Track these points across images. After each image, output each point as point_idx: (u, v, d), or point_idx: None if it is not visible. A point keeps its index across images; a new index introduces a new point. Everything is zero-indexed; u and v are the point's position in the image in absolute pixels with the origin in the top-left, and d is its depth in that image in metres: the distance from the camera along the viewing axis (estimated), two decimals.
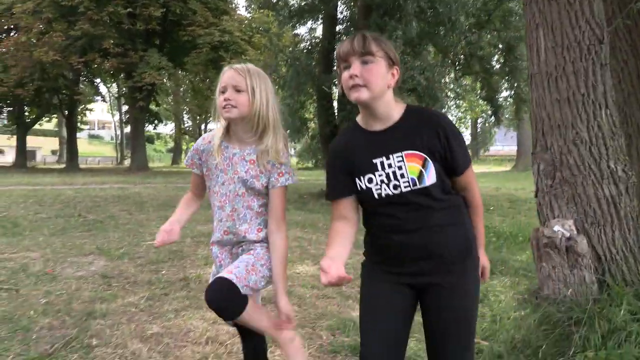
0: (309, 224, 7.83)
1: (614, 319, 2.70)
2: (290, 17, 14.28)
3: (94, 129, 74.92)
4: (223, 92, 1.95)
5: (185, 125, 52.44)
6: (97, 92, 38.38)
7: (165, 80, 27.72)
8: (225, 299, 1.87)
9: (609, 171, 3.09)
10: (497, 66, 15.54)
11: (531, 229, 3.41)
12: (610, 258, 3.09)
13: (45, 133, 58.23)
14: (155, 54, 23.85)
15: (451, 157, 1.67)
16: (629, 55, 3.92)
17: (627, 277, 3.06)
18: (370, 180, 1.69)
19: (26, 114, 32.35)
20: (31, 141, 38.57)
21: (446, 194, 1.70)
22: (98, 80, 36.37)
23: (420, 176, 1.64)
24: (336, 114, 13.12)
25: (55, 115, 38.97)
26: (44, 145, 55.91)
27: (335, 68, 1.87)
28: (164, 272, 4.80)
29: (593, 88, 3.12)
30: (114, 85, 42.85)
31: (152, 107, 31.53)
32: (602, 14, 3.21)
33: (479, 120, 46.46)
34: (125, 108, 41.40)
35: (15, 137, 33.07)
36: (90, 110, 41.04)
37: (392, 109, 1.71)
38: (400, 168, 1.65)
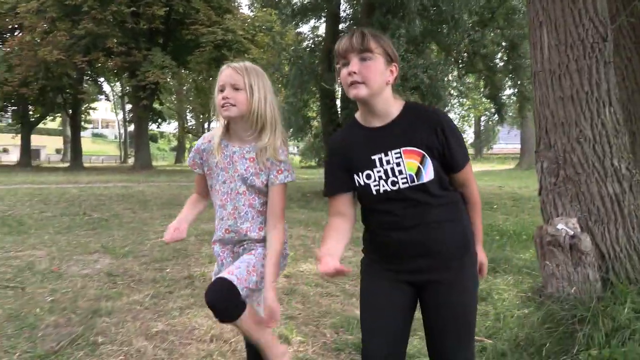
0: (312, 222, 7.83)
1: (618, 317, 2.70)
2: (293, 16, 14.29)
3: (97, 128, 75.10)
4: (221, 91, 1.95)
5: (189, 124, 52.47)
6: (101, 91, 38.44)
7: (168, 79, 27.76)
8: (225, 300, 1.88)
9: (612, 169, 3.09)
10: (501, 64, 15.53)
11: (535, 227, 3.41)
12: (614, 256, 3.09)
13: (49, 132, 58.42)
14: (159, 53, 23.89)
15: (449, 154, 1.68)
16: (633, 52, 3.92)
17: (631, 275, 3.06)
18: (368, 177, 1.70)
19: (30, 113, 32.43)
20: (35, 140, 38.71)
21: (444, 191, 1.70)
22: (102, 79, 36.44)
23: (418, 172, 1.65)
24: (339, 112, 13.13)
25: (59, 114, 39.09)
26: (48, 144, 56.08)
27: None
28: (168, 270, 4.82)
29: (597, 86, 3.12)
30: (118, 84, 42.91)
31: (156, 105, 31.59)
32: (606, 11, 3.21)
33: (482, 119, 46.25)
34: (128, 107, 41.57)
35: (19, 136, 33.18)
36: (94, 109, 41.16)
37: (391, 106, 1.71)
38: (398, 164, 1.66)
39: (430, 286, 1.73)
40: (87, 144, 50.68)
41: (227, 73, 1.95)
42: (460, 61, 15.12)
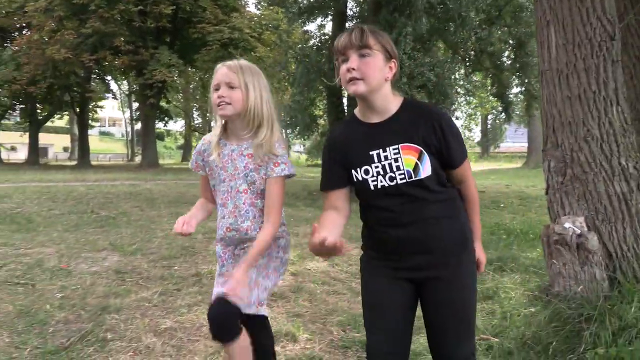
0: (318, 221, 7.86)
1: (625, 316, 2.70)
2: (299, 14, 14.29)
3: (104, 126, 75.40)
4: (217, 90, 1.95)
5: (195, 122, 52.59)
6: (108, 90, 38.55)
7: (175, 78, 27.82)
8: (224, 322, 1.90)
9: (620, 168, 3.09)
10: (508, 62, 15.45)
11: (542, 226, 3.42)
12: (621, 255, 3.09)
13: (56, 130, 58.69)
14: (166, 52, 23.94)
15: (447, 151, 1.69)
16: None
17: (638, 274, 3.05)
18: (366, 172, 1.71)
19: (38, 111, 32.61)
20: (43, 138, 38.88)
21: (442, 187, 1.71)
22: (109, 77, 36.56)
23: (416, 168, 1.66)
24: (346, 110, 13.13)
25: (66, 113, 39.27)
26: (56, 143, 56.33)
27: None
28: (176, 267, 4.86)
29: (604, 85, 3.11)
30: (125, 82, 43.06)
31: (163, 104, 31.67)
32: (614, 10, 3.20)
33: (489, 117, 46.15)
34: (135, 105, 41.69)
35: (27, 134, 33.37)
36: (101, 107, 41.30)
37: (390, 102, 1.73)
38: (396, 160, 1.67)
39: (429, 283, 1.74)
40: (95, 142, 50.91)
41: (222, 72, 1.95)
42: (467, 59, 15.08)
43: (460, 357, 1.77)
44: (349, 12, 14.55)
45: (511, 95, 16.27)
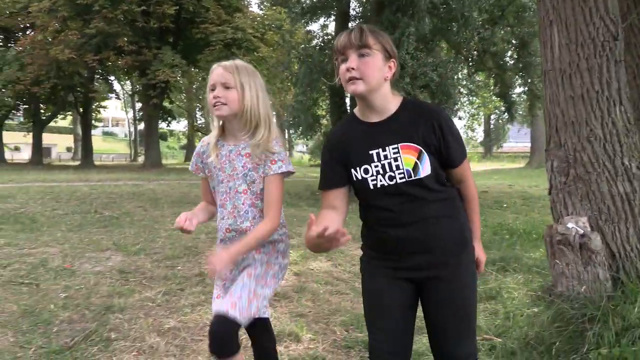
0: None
1: (628, 316, 2.70)
2: (302, 14, 14.31)
3: (108, 126, 75.56)
4: (213, 90, 1.94)
5: (198, 122, 52.64)
6: (111, 90, 38.63)
7: (178, 78, 27.85)
8: (226, 343, 1.89)
9: (623, 168, 3.09)
10: (511, 62, 15.44)
11: (545, 226, 3.42)
12: (624, 255, 3.09)
13: (60, 130, 58.81)
14: (169, 52, 23.97)
15: (446, 150, 1.69)
16: None
17: None
18: (366, 171, 1.71)
19: (42, 111, 32.70)
20: (46, 138, 38.99)
21: (441, 186, 1.72)
22: (112, 77, 36.64)
23: (415, 168, 1.66)
24: (348, 110, 13.14)
25: (70, 113, 39.36)
26: (59, 143, 56.44)
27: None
28: (179, 267, 4.87)
29: (607, 85, 3.11)
30: (128, 82, 43.15)
31: (166, 104, 31.75)
32: (617, 10, 3.20)
33: (492, 117, 46.10)
34: (139, 105, 41.76)
35: (31, 134, 33.46)
36: (105, 107, 41.39)
37: (389, 102, 1.73)
38: (395, 159, 1.67)
39: (429, 283, 1.75)
40: (98, 142, 50.96)
41: (217, 72, 1.95)
42: (470, 59, 15.07)
43: (461, 356, 1.78)
44: (352, 12, 14.57)
45: (514, 95, 16.27)
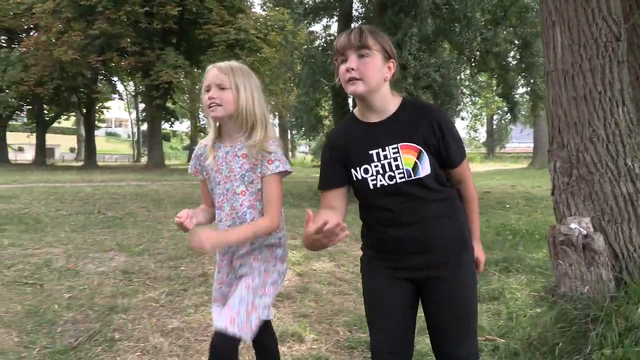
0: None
1: (632, 317, 2.70)
2: (305, 15, 14.32)
3: (111, 127, 75.71)
4: (208, 91, 1.94)
5: (201, 123, 52.72)
6: (115, 91, 38.72)
7: (181, 79, 27.90)
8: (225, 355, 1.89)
9: (626, 169, 3.09)
10: (513, 62, 15.43)
11: (547, 226, 3.42)
12: (627, 255, 3.08)
13: (63, 131, 58.98)
14: (172, 53, 24.02)
15: (446, 150, 1.70)
16: None
17: None
18: (366, 171, 1.72)
19: (45, 112, 32.79)
20: (50, 139, 39.10)
21: (441, 186, 1.73)
22: (115, 78, 36.71)
23: (415, 167, 1.67)
24: (351, 111, 13.12)
25: (73, 114, 39.45)
26: (63, 143, 56.59)
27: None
28: (182, 268, 4.88)
29: (610, 85, 3.11)
30: (131, 83, 43.22)
31: (169, 105, 31.77)
32: (619, 10, 3.20)
33: (494, 117, 46.11)
34: (141, 106, 41.78)
35: (34, 135, 33.56)
36: (108, 108, 41.47)
37: (389, 102, 1.74)
38: (395, 159, 1.68)
39: (429, 283, 1.75)
40: (101, 142, 51.13)
41: (212, 73, 1.94)
42: (472, 60, 15.06)
43: (461, 356, 1.78)
44: (355, 13, 14.57)
45: (517, 96, 16.22)
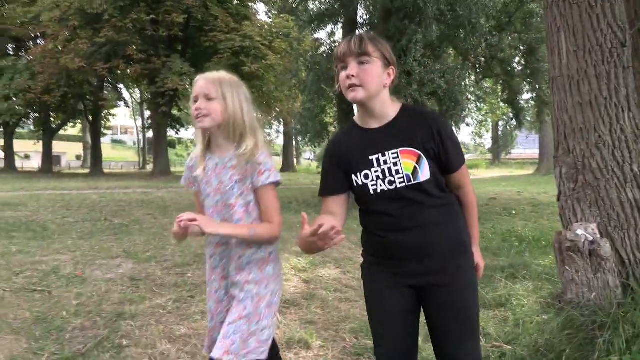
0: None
1: (639, 323, 2.69)
2: (310, 22, 14.36)
3: (117, 134, 76.08)
4: (196, 102, 1.93)
5: None
6: (120, 98, 38.93)
7: (187, 86, 28.03)
8: None
9: (632, 174, 3.09)
10: (519, 68, 15.41)
11: (554, 233, 3.41)
12: (634, 262, 3.08)
13: (69, 138, 59.35)
14: (178, 60, 24.14)
15: (445, 155, 1.72)
16: None
17: None
18: (366, 176, 1.74)
19: (52, 119, 32.99)
20: (56, 146, 39.28)
21: (440, 192, 1.75)
22: (121, 86, 36.91)
23: (415, 172, 1.69)
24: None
25: (79, 121, 39.69)
26: (69, 151, 56.92)
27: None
28: (189, 275, 4.89)
29: (615, 91, 3.12)
30: (137, 90, 43.45)
31: (174, 112, 31.91)
32: (624, 16, 3.21)
33: (500, 123, 45.92)
34: (147, 113, 42.02)
35: (41, 142, 33.77)
36: (114, 115, 41.70)
37: (389, 108, 1.77)
38: (395, 164, 1.70)
39: (429, 289, 1.76)
40: (107, 150, 51.32)
41: (200, 84, 1.93)
42: (477, 66, 15.06)
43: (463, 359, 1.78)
44: (360, 20, 14.60)
45: (522, 102, 16.19)
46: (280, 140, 49.21)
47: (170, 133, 35.39)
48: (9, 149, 32.48)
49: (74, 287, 4.37)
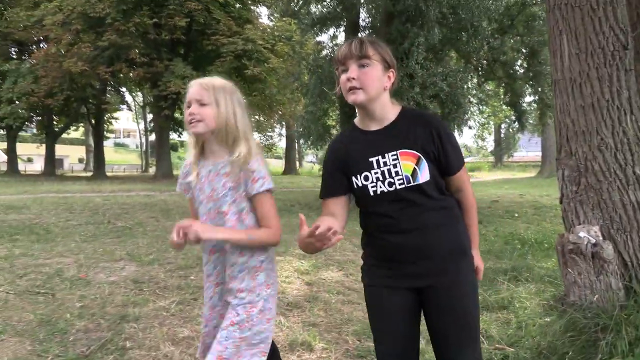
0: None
1: None
2: (312, 25, 14.40)
3: (119, 138, 76.21)
4: (189, 107, 1.92)
5: None
6: (123, 101, 39.01)
7: None
8: None
9: (634, 177, 3.09)
10: (521, 71, 15.41)
11: (556, 235, 3.42)
12: (637, 264, 3.08)
13: (72, 142, 59.50)
14: (180, 63, 24.18)
15: (444, 157, 1.74)
16: None
17: None
18: (366, 178, 1.76)
19: (54, 123, 33.09)
20: (59, 150, 39.38)
21: (440, 194, 1.76)
22: (123, 89, 37.00)
23: (414, 174, 1.70)
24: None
25: (82, 124, 39.79)
26: (71, 154, 57.05)
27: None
28: (192, 277, 4.90)
29: (618, 94, 3.12)
30: (139, 94, 43.55)
31: (177, 115, 31.94)
32: (626, 19, 3.22)
33: (502, 126, 45.92)
34: (150, 117, 42.08)
35: (44, 145, 33.86)
36: (116, 119, 41.76)
37: (388, 111, 1.78)
38: (395, 166, 1.72)
39: (429, 291, 1.77)
40: (109, 153, 51.47)
41: (193, 89, 1.93)
42: (479, 68, 15.08)
43: None
44: (362, 23, 14.62)
45: (524, 104, 16.19)
46: (282, 143, 49.27)
47: (173, 136, 35.39)
48: (11, 152, 32.60)
49: (78, 289, 4.38)
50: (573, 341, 2.81)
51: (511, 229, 8.21)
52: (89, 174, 34.89)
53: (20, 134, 36.13)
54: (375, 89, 1.71)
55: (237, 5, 26.54)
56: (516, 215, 10.60)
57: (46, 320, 3.58)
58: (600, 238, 3.08)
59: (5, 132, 32.95)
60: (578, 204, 3.25)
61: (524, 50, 14.52)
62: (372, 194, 1.75)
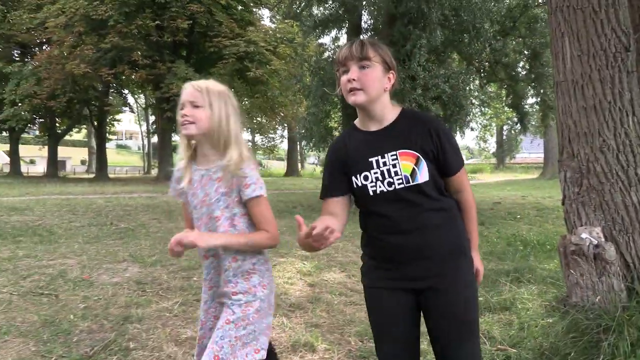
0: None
1: None
2: (314, 27, 14.41)
3: (121, 139, 76.36)
4: (182, 109, 1.92)
5: None
6: (125, 103, 39.07)
7: None
8: None
9: (636, 178, 3.10)
10: (523, 73, 15.41)
11: (558, 237, 3.42)
12: (639, 265, 3.08)
13: (74, 143, 59.65)
14: (183, 65, 24.21)
15: (443, 158, 1.74)
16: None
17: None
18: (365, 178, 1.77)
19: (57, 125, 33.16)
20: (61, 151, 39.48)
21: (439, 195, 1.76)
22: (126, 91, 37.07)
23: (413, 174, 1.71)
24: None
25: (84, 126, 39.88)
26: (74, 156, 57.18)
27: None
28: (195, 278, 4.92)
29: (619, 95, 3.13)
30: (142, 96, 43.64)
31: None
32: (628, 21, 3.23)
33: (504, 128, 45.91)
34: (152, 118, 42.15)
35: (46, 147, 33.93)
36: (119, 121, 41.86)
37: (388, 111, 1.80)
38: (394, 166, 1.73)
39: (428, 292, 1.78)
40: (112, 155, 51.51)
41: (187, 91, 1.93)
42: (481, 70, 15.08)
43: None
44: (364, 25, 14.63)
45: (526, 106, 16.18)
46: (284, 145, 49.30)
47: (175, 138, 35.45)
48: (14, 154, 32.66)
49: (81, 290, 4.40)
50: (575, 342, 2.81)
51: (513, 231, 8.21)
52: (92, 175, 34.94)
53: (22, 135, 36.20)
54: (375, 90, 1.73)
55: (240, 8, 26.58)
56: (518, 216, 10.60)
57: (50, 321, 3.59)
58: (603, 239, 3.08)
59: (8, 134, 33.01)
60: (580, 205, 3.25)
61: (526, 52, 14.53)
62: (371, 193, 1.76)
